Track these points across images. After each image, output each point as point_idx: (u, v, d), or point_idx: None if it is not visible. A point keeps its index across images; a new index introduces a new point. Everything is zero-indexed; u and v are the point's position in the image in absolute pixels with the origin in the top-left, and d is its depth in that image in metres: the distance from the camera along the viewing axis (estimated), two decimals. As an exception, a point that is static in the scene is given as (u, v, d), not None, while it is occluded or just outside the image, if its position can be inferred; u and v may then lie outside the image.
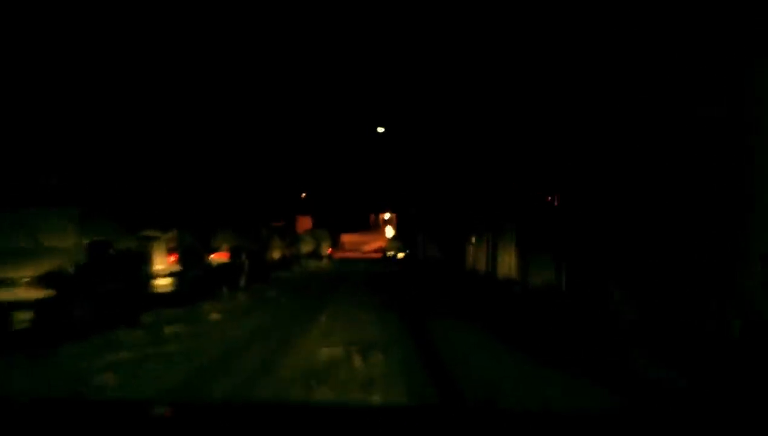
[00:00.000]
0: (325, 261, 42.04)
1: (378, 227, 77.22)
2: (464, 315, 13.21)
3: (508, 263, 20.23)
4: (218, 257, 17.47)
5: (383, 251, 57.19)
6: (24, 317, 7.69)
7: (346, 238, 69.28)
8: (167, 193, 15.41)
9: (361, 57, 37.61)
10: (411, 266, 37.60)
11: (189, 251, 13.58)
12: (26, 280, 7.86)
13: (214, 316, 11.59)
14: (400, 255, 52.61)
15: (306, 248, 39.65)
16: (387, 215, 74.98)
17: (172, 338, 9.07)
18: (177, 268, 12.79)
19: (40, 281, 7.90)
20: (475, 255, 25.96)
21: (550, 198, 16.19)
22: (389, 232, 72.29)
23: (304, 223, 55.95)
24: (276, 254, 25.55)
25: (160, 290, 12.39)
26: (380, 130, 41.69)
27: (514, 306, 15.00)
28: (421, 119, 36.14)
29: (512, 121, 20.32)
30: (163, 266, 12.60)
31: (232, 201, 21.30)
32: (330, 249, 48.42)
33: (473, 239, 26.37)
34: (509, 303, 15.69)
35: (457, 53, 25.89)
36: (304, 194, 59.41)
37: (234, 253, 17.81)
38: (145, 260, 11.13)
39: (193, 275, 13.45)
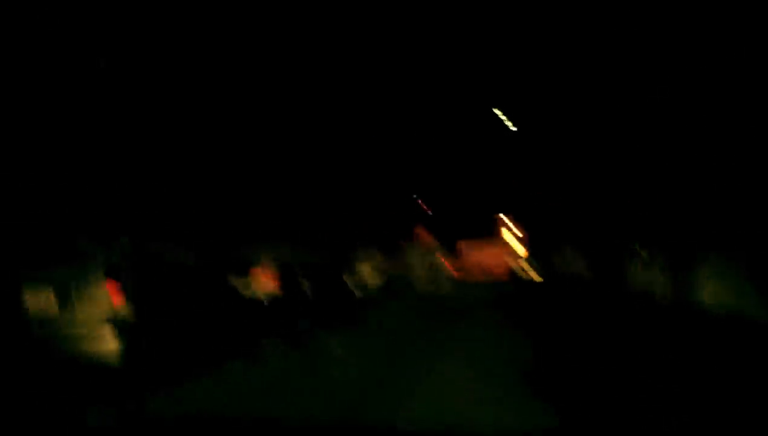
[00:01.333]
0: (441, 279, 35.35)
1: (502, 239, 69.47)
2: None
3: (723, 288, 12.60)
4: (261, 282, 11.21)
5: (509, 264, 50.17)
6: None
7: (467, 251, 61.96)
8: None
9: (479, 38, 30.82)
10: (548, 283, 30.03)
11: (155, 276, 7.23)
12: None
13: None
14: (530, 270, 45.28)
15: (418, 263, 33.19)
16: (512, 226, 67.14)
17: None
18: (125, 311, 6.54)
19: None
20: (645, 274, 18.26)
21: None
22: (515, 243, 64.45)
23: (425, 235, 50.01)
24: (370, 274, 19.11)
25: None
26: (510, 123, 34.35)
27: None
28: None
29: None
30: (99, 308, 6.43)
31: (287, 199, 14.54)
32: (449, 264, 41.80)
33: (641, 251, 18.65)
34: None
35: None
36: (421, 202, 53.48)
37: (285, 275, 11.38)
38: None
39: (150, 328, 7.12)
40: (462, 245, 60.61)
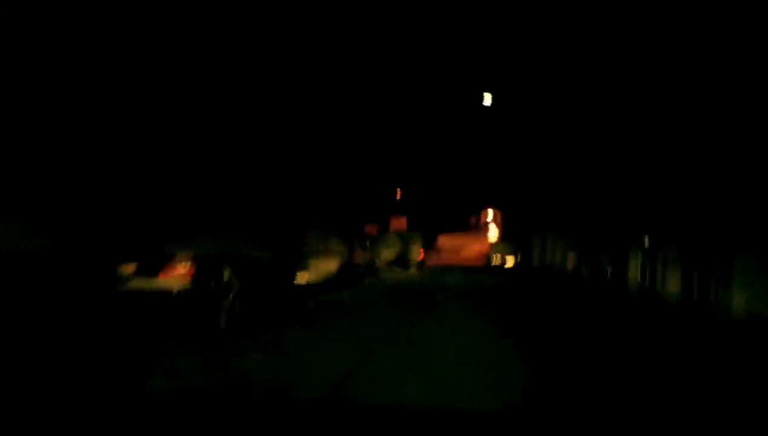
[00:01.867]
0: (412, 270, 32.93)
1: (480, 228, 67.14)
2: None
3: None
4: (174, 276, 8.74)
5: (487, 256, 48.05)
6: None
7: (443, 240, 59.52)
8: None
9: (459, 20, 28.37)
10: (532, 278, 27.83)
11: None
12: None
13: None
14: (510, 262, 43.13)
15: (388, 253, 30.78)
16: (491, 214, 64.86)
17: None
18: None
19: None
20: (655, 271, 16.01)
21: None
22: (494, 233, 62.20)
23: (398, 223, 47.52)
24: (329, 265, 16.65)
25: None
26: (487, 97, 31.90)
27: None
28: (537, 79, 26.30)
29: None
30: None
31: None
32: (422, 254, 39.27)
33: (646, 242, 16.40)
34: None
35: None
36: (399, 192, 51.11)
37: (203, 269, 8.90)
38: None
39: None
40: (440, 236, 58.33)
